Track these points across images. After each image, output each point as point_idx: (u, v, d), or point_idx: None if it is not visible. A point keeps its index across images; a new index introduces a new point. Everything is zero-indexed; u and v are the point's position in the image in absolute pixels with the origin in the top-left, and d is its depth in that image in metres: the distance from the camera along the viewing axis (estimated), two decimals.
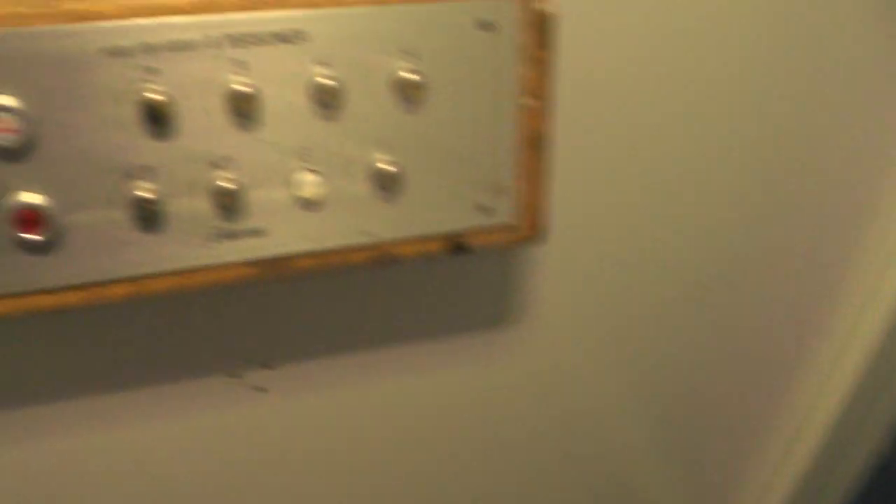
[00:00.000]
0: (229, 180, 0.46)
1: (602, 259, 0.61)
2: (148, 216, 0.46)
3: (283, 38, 0.44)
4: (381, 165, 0.48)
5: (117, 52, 0.43)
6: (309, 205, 0.48)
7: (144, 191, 0.46)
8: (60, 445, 0.57)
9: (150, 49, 0.43)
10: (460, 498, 0.68)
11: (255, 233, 0.48)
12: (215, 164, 0.46)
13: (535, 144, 0.50)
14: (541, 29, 0.48)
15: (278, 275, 0.49)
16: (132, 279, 0.48)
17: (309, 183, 0.47)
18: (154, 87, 0.44)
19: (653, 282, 0.63)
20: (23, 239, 0.45)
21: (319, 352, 0.58)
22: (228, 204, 0.46)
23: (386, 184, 0.48)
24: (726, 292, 0.65)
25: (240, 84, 0.45)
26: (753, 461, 0.77)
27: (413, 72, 0.46)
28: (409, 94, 0.46)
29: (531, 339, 0.62)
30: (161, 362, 0.56)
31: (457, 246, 0.51)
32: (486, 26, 0.47)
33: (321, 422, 0.61)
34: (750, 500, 0.79)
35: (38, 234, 0.45)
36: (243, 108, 0.45)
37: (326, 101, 0.46)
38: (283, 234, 0.48)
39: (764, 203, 0.62)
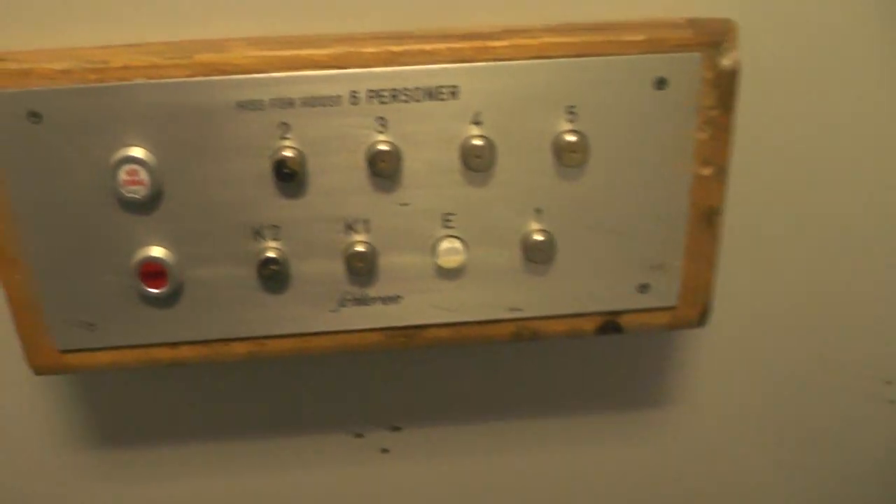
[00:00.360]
0: (364, 244, 0.42)
1: (764, 342, 0.54)
2: (275, 277, 0.42)
3: (430, 94, 0.40)
4: (533, 236, 0.43)
5: (251, 106, 0.39)
6: (449, 273, 0.43)
7: (272, 250, 0.42)
8: (186, 490, 0.55)
9: (285, 103, 0.39)
10: None
11: (388, 300, 0.44)
12: (350, 227, 0.42)
13: (706, 219, 0.44)
14: (723, 88, 0.42)
15: (410, 344, 0.45)
16: (253, 339, 0.45)
17: (451, 251, 0.42)
18: (288, 142, 0.40)
19: (818, 371, 0.55)
20: (146, 292, 0.42)
21: (450, 418, 0.54)
22: (361, 268, 0.42)
23: (538, 256, 0.43)
24: None
25: (381, 143, 0.40)
26: None
27: (576, 133, 0.41)
28: (568, 157, 0.41)
29: (682, 420, 0.56)
30: (287, 417, 0.53)
31: (610, 327, 0.45)
32: (661, 84, 0.41)
33: (447, 488, 0.57)
34: None
35: (161, 288, 0.43)
36: (383, 168, 0.40)
37: (477, 163, 0.41)
38: (419, 304, 0.44)
39: None
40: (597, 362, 0.53)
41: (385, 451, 0.55)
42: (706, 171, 0.43)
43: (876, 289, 0.53)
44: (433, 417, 0.54)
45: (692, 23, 0.41)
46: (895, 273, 0.53)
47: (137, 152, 0.40)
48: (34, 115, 0.39)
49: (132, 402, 0.52)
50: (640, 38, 0.40)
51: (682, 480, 0.59)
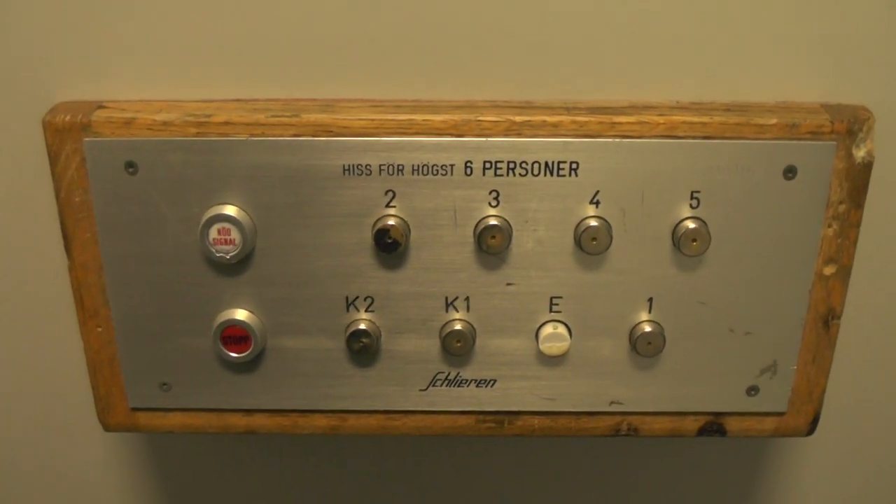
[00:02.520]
0: (463, 322, 0.40)
1: (870, 455, 0.50)
2: (364, 350, 0.40)
3: (549, 168, 0.37)
4: (644, 327, 0.40)
5: (358, 171, 0.37)
6: (550, 360, 0.41)
7: (364, 322, 0.40)
8: None
9: (395, 170, 0.37)
10: None
11: (483, 383, 0.41)
12: (450, 304, 0.40)
13: (825, 323, 0.41)
14: (854, 181, 0.39)
15: (501, 431, 0.42)
16: (335, 413, 0.42)
17: (555, 337, 0.40)
18: (393, 211, 0.38)
19: None
20: (226, 355, 0.40)
21: None
22: (458, 349, 0.40)
23: (646, 349, 0.40)
24: None
25: (492, 217, 0.38)
26: None
27: (698, 220, 0.38)
28: (689, 246, 0.38)
29: None
30: (359, 495, 0.51)
31: (714, 429, 0.42)
32: (790, 173, 0.38)
33: None
34: None
35: (243, 353, 0.40)
36: (492, 245, 0.38)
37: (591, 246, 0.38)
38: (515, 389, 0.41)
39: None
40: (693, 464, 0.49)
41: None
42: (829, 271, 0.40)
43: None
44: None
45: (827, 108, 0.39)
46: None
47: (230, 211, 0.38)
48: (131, 166, 0.37)
49: (204, 467, 0.50)
50: (773, 121, 0.38)
51: None
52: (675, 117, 0.38)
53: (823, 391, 0.42)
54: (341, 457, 0.49)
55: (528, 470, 0.50)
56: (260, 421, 0.43)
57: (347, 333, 0.40)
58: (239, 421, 0.43)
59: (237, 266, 0.39)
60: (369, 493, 0.50)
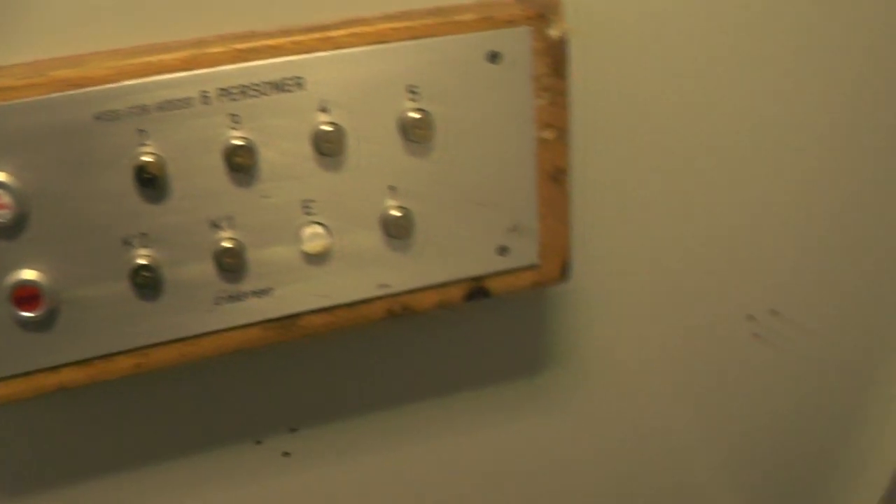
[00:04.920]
0: (231, 240, 0.44)
1: (636, 295, 0.57)
2: (149, 284, 0.43)
3: (278, 86, 0.42)
4: (391, 212, 0.45)
5: (109, 117, 0.41)
6: (316, 259, 0.45)
7: (143, 258, 0.43)
8: None
9: (141, 110, 0.41)
10: None
11: (261, 293, 0.45)
12: (215, 225, 0.44)
13: (555, 179, 0.47)
14: (553, 56, 0.45)
15: (288, 335, 0.47)
16: (137, 351, 0.45)
17: (315, 236, 0.44)
18: (147, 149, 0.41)
19: (698, 318, 0.59)
20: (21, 317, 0.43)
21: (344, 413, 0.55)
22: (231, 265, 0.44)
23: (398, 231, 0.45)
24: (779, 326, 0.61)
25: (235, 138, 0.42)
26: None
27: (419, 111, 0.44)
28: (417, 134, 0.44)
29: (569, 383, 0.59)
30: (184, 434, 0.54)
31: (477, 292, 0.48)
32: (495, 58, 0.44)
33: (351, 487, 0.58)
34: None
35: (37, 311, 0.43)
36: (241, 164, 0.42)
37: (328, 149, 0.43)
38: (291, 293, 0.46)
39: (821, 232, 0.59)
40: (478, 337, 0.55)
41: (286, 454, 0.56)
42: (548, 135, 0.46)
43: (729, 231, 0.57)
44: (326, 415, 0.55)
45: (520, 0, 0.45)
46: (742, 209, 0.57)
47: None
48: None
49: (19, 441, 0.52)
50: (470, 17, 0.44)
51: (581, 444, 0.62)
52: (383, 26, 0.43)
53: (568, 240, 0.49)
54: (152, 400, 0.52)
55: (323, 376, 0.54)
56: (69, 375, 0.45)
57: (131, 272, 0.43)
58: (49, 380, 0.45)
59: (16, 228, 0.41)
60: (184, 427, 0.54)
